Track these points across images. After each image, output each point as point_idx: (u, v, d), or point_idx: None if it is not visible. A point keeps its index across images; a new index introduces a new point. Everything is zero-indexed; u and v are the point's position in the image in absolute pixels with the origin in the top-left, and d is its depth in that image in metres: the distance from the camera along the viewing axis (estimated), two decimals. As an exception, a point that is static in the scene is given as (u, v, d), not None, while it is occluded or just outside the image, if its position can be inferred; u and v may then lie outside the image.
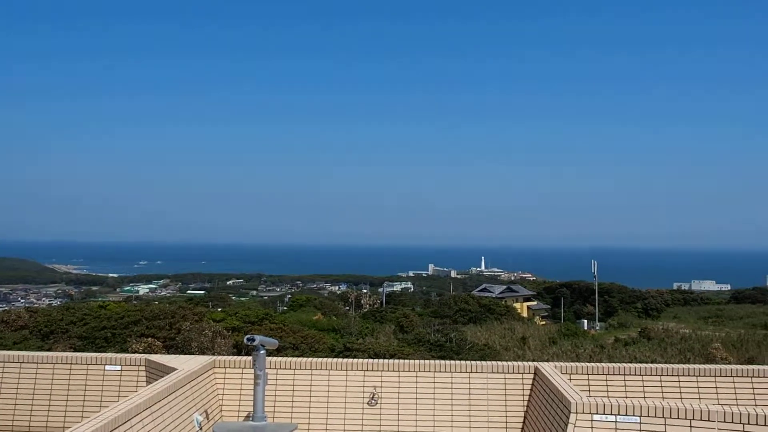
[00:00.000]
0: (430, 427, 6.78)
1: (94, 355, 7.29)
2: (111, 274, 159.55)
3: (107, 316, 25.36)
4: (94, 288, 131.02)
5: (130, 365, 7.15)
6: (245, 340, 6.08)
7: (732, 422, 4.96)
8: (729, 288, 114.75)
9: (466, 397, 6.89)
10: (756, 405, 6.68)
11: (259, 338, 6.06)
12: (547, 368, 6.72)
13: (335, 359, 7.10)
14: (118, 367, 7.15)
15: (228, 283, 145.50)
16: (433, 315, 46.15)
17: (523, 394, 6.87)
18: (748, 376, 6.77)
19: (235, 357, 7.09)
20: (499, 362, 7.09)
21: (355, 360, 7.08)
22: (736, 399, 6.71)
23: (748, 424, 4.92)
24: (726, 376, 6.76)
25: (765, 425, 4.87)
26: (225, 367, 6.98)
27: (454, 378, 6.99)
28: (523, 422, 6.78)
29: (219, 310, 38.02)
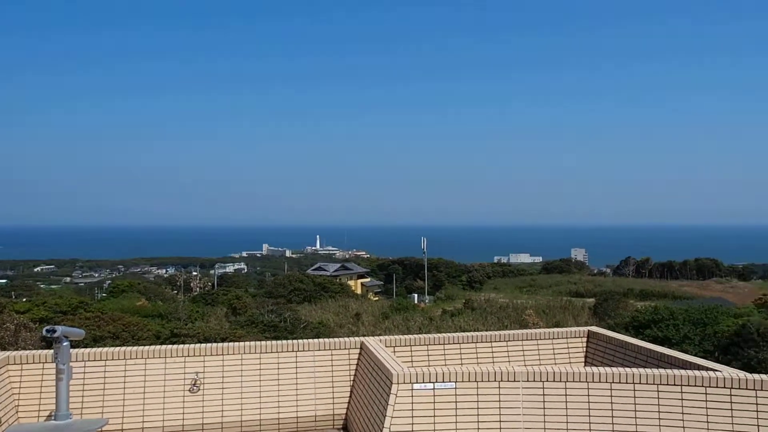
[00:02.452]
0: (256, 409, 6.63)
1: None
2: None
3: None
4: None
5: None
6: (44, 332, 5.50)
7: (534, 381, 5.41)
8: (541, 260, 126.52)
9: (293, 376, 6.83)
10: (555, 363, 7.38)
11: (61, 329, 5.50)
12: (372, 343, 6.86)
13: (152, 347, 6.67)
14: None
15: (35, 270, 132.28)
16: (267, 295, 45.58)
17: (350, 369, 6.96)
18: (549, 339, 7.45)
19: (34, 351, 6.37)
20: (326, 339, 7.12)
21: (175, 346, 6.71)
22: (540, 359, 7.35)
23: (547, 381, 5.39)
24: (531, 340, 7.38)
25: (560, 381, 5.38)
26: (21, 363, 6.26)
27: (281, 358, 6.88)
28: (350, 396, 6.88)
29: (24, 300, 34.42)
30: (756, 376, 5.29)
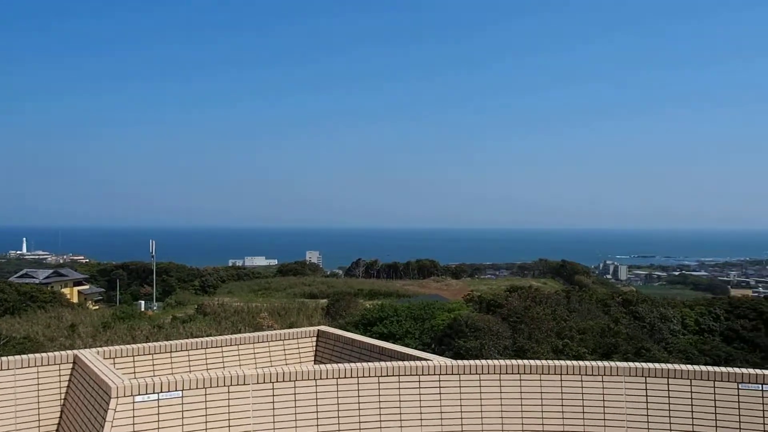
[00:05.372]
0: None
1: None
2: None
3: None
4: None
5: None
6: None
7: (264, 382, 5.41)
8: (276, 262, 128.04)
9: (-14, 401, 5.87)
10: (286, 363, 7.50)
11: None
12: (88, 355, 6.23)
13: None
14: None
15: None
16: (-44, 309, 38.73)
17: (60, 387, 6.23)
18: (280, 340, 7.55)
19: None
20: (32, 355, 6.28)
21: None
22: (271, 361, 7.40)
23: (277, 381, 5.44)
24: (262, 342, 7.40)
25: (290, 381, 5.46)
26: None
27: (-30, 381, 5.87)
28: (60, 417, 6.15)
29: None
30: (460, 362, 5.99)
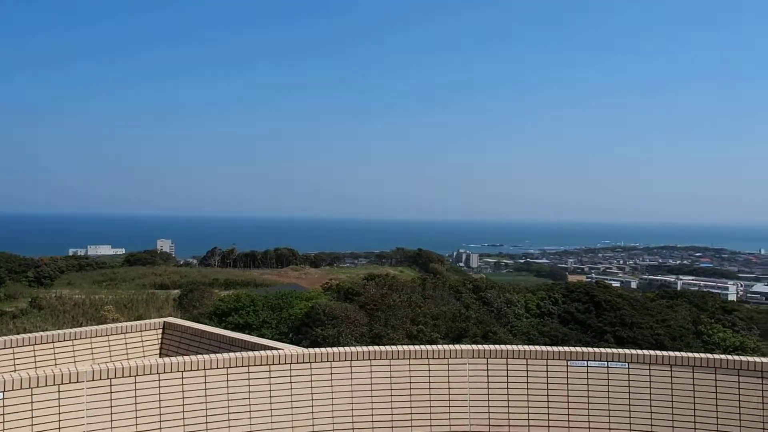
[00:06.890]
0: None
1: None
2: None
3: None
4: None
5: None
6: None
7: (100, 379, 5.05)
8: (124, 252, 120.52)
9: None
10: (128, 358, 7.06)
11: None
12: None
13: None
14: None
15: None
16: None
17: None
18: (121, 333, 7.09)
19: None
20: None
21: None
22: (111, 356, 6.93)
23: (115, 378, 5.09)
24: (101, 336, 6.91)
25: (130, 376, 5.13)
26: None
27: None
28: None
29: None
30: (311, 350, 5.96)
